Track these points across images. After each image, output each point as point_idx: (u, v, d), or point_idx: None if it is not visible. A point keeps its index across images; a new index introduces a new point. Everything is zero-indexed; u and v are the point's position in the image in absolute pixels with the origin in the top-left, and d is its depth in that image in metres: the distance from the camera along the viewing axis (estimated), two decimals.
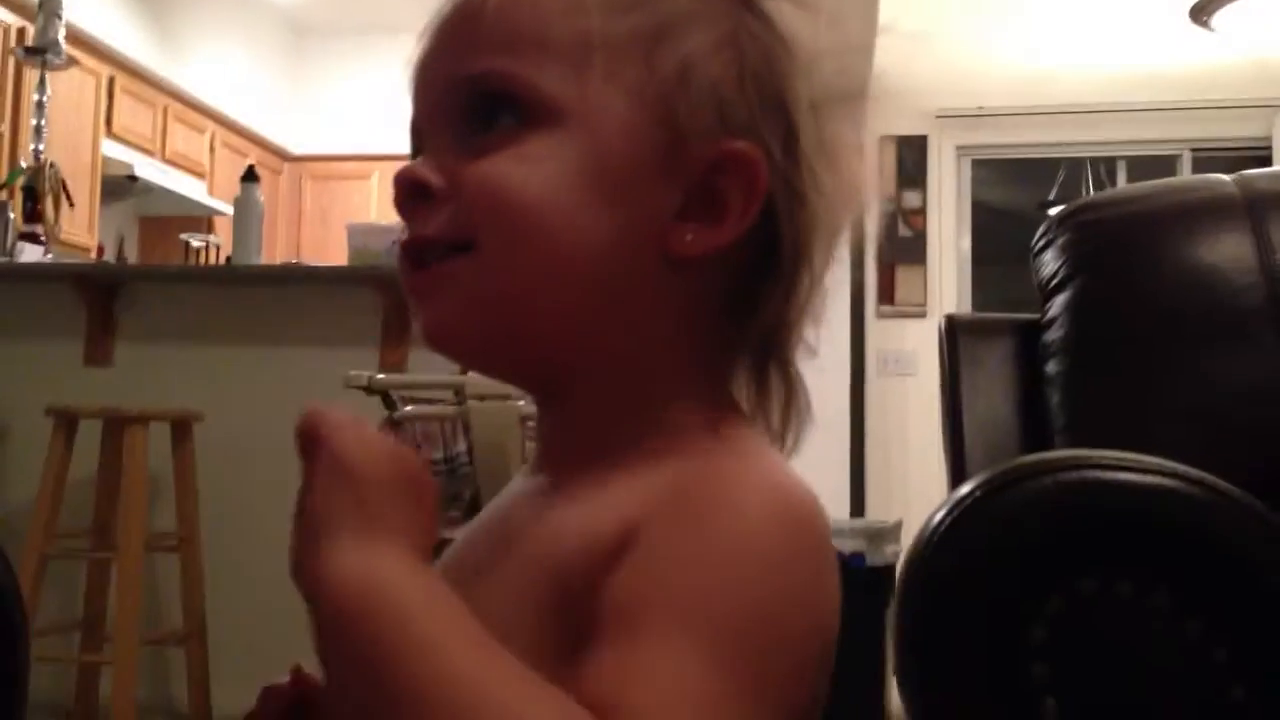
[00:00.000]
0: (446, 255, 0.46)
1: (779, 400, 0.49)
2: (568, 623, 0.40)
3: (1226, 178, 1.34)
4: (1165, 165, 4.88)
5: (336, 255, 3.35)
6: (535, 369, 0.49)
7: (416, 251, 0.47)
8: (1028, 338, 1.33)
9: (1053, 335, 1.29)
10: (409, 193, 0.47)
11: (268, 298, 2.64)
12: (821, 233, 0.48)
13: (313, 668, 0.52)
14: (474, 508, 1.60)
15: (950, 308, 4.69)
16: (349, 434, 0.41)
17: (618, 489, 0.43)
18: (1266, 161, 4.75)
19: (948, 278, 4.88)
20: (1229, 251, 1.24)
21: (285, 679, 0.49)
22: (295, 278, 2.75)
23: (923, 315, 4.70)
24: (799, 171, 0.47)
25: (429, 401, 1.78)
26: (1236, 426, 1.19)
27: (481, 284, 0.45)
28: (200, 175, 4.90)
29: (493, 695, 0.36)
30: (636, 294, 0.46)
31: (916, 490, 4.03)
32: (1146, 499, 0.72)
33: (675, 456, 0.44)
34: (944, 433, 1.36)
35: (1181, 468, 0.72)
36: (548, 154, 0.45)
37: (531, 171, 0.45)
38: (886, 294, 4.79)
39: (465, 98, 0.47)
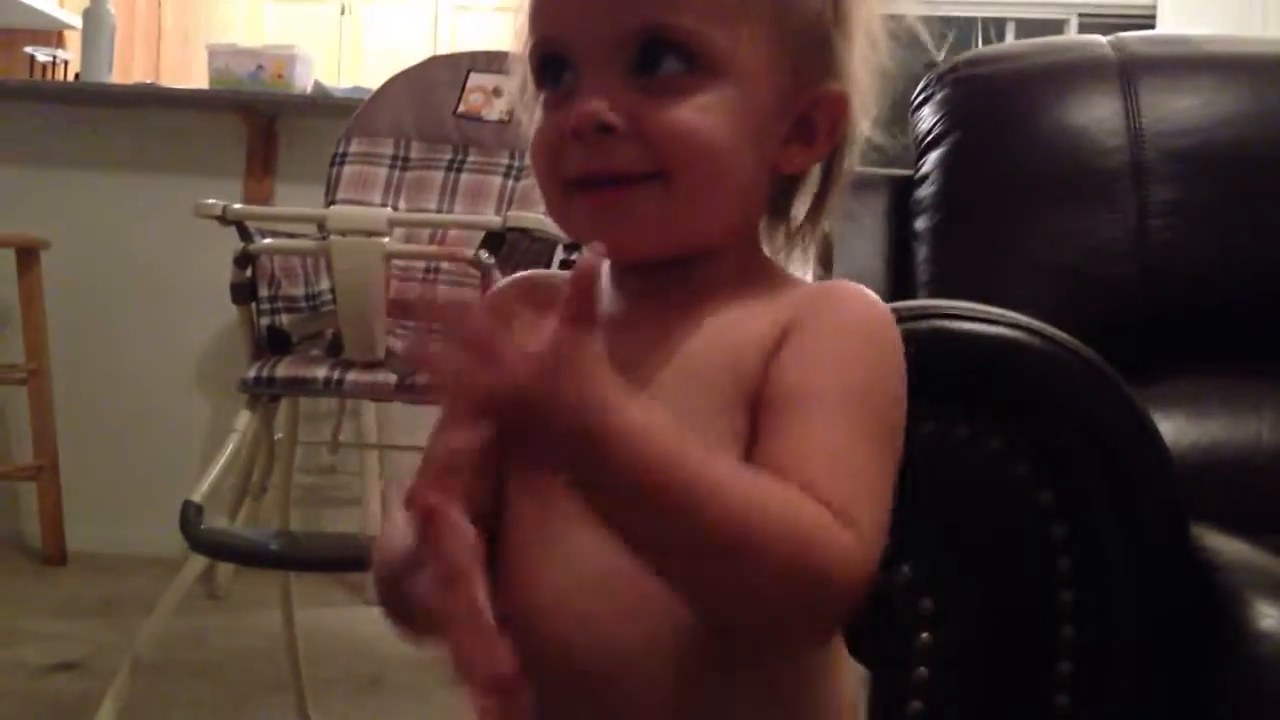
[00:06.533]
0: (636, 181, 0.55)
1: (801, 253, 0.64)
2: (746, 405, 0.53)
3: (1103, 39, 1.34)
4: (1053, 28, 4.91)
5: (199, 81, 3.14)
6: (684, 258, 0.59)
7: (604, 178, 0.55)
8: (902, 194, 1.34)
9: (924, 191, 1.30)
10: (594, 129, 0.54)
11: (120, 120, 2.46)
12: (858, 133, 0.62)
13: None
14: (335, 346, 1.56)
15: None
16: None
17: (762, 308, 0.56)
18: (1150, 29, 4.83)
19: None
20: (1098, 113, 1.26)
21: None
22: (150, 99, 2.56)
23: None
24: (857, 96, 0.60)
25: (289, 235, 1.70)
26: (1089, 282, 1.22)
27: (669, 209, 0.55)
28: None
29: (751, 495, 0.47)
30: (757, 199, 0.60)
31: None
32: (986, 347, 0.74)
33: (788, 286, 0.60)
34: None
35: (1023, 318, 0.74)
36: (719, 104, 0.55)
37: (714, 121, 0.55)
38: None
39: (635, 43, 0.55)
